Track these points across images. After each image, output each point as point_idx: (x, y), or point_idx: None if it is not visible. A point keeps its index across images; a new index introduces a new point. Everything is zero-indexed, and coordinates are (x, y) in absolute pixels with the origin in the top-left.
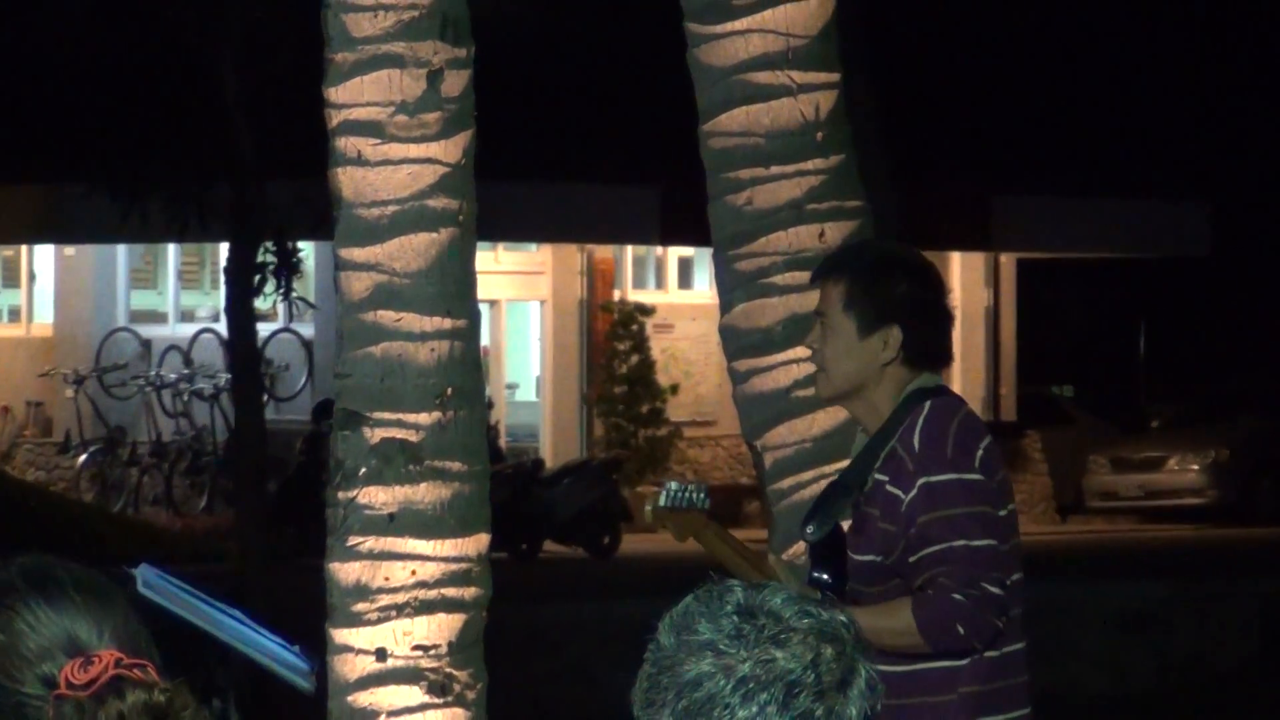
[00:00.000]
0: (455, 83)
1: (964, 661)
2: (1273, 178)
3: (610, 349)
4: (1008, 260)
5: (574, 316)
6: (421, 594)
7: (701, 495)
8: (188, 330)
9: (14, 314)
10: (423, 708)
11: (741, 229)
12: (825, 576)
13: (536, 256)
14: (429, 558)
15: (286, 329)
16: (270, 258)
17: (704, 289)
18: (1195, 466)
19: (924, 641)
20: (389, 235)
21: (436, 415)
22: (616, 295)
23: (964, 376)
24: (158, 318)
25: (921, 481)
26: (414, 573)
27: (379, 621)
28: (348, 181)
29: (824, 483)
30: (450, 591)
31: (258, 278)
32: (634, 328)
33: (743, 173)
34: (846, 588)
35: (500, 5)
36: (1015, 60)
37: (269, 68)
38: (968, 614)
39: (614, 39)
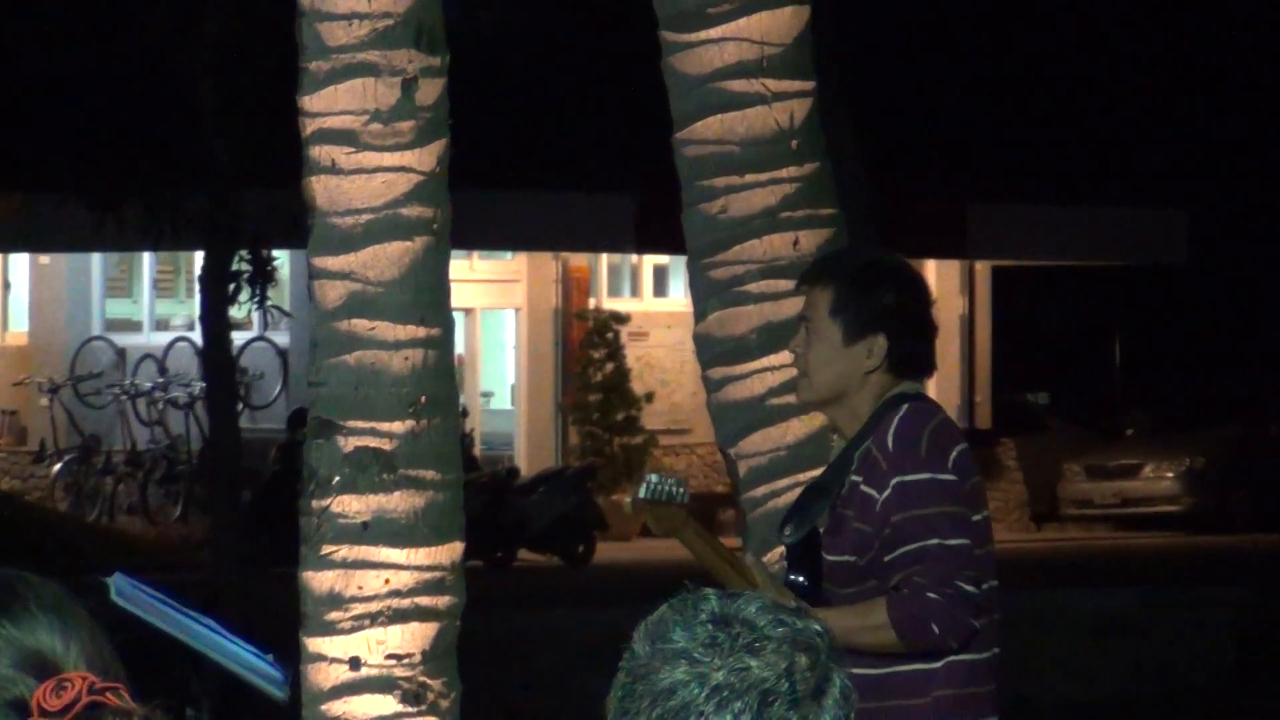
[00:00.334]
0: (429, 91)
1: (938, 664)
2: (1249, 186)
3: (585, 357)
4: (983, 268)
5: (549, 325)
6: (395, 603)
7: (680, 490)
8: (163, 339)
9: None
10: (396, 717)
11: (716, 237)
12: (801, 579)
13: (511, 265)
14: (403, 566)
15: (261, 337)
16: (245, 266)
17: (679, 297)
18: (1170, 474)
19: (899, 640)
20: (363, 244)
21: (410, 424)
22: (591, 303)
23: (939, 384)
24: (133, 326)
25: (895, 481)
26: (388, 581)
27: (353, 630)
28: (322, 190)
29: (798, 490)
30: (424, 600)
31: (232, 286)
32: (609, 336)
33: (717, 181)
34: (822, 589)
35: (475, 14)
36: (991, 68)
37: (244, 77)
38: (943, 612)
39: (588, 47)
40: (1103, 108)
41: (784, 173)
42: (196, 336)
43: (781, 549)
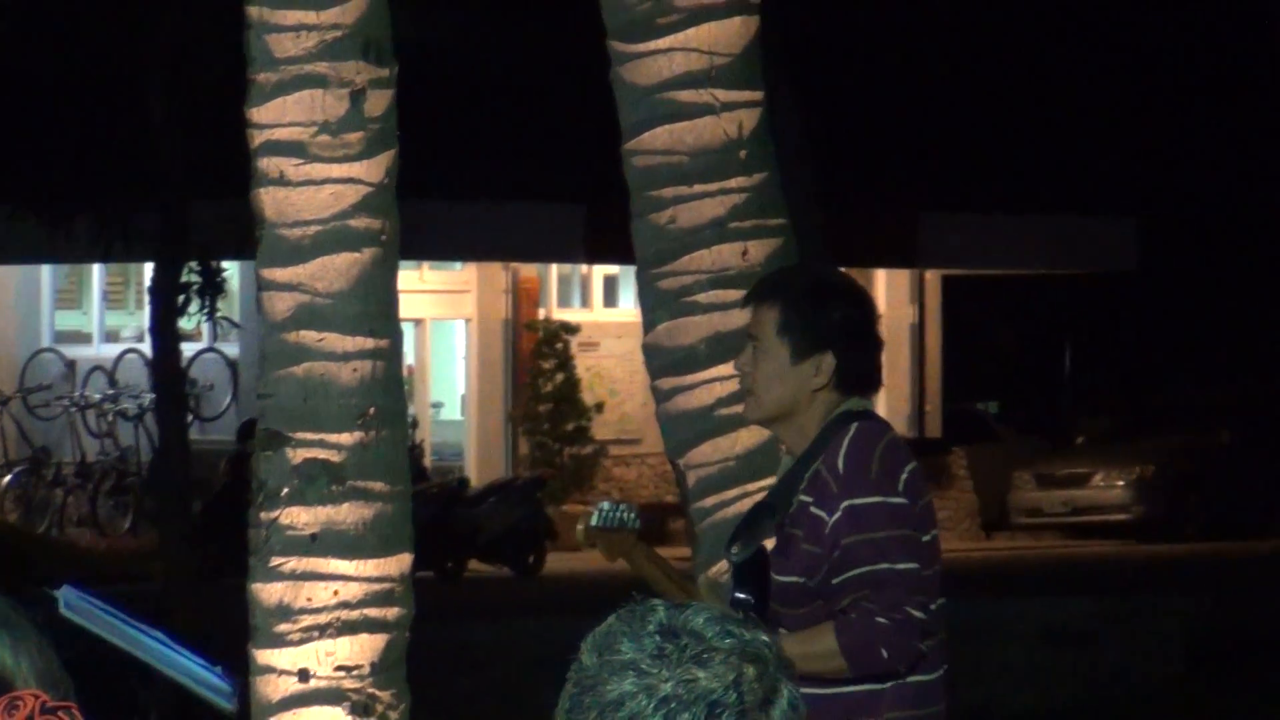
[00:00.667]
0: (378, 102)
1: (886, 685)
2: (1198, 192)
3: (535, 367)
4: (933, 277)
5: (499, 335)
6: (344, 614)
7: (632, 516)
8: (112, 350)
9: None
10: None
11: (665, 247)
12: (748, 597)
13: (461, 275)
14: (351, 578)
15: (211, 349)
16: (195, 278)
17: (629, 307)
18: (1121, 482)
19: (847, 665)
20: (311, 255)
21: (359, 435)
22: (541, 314)
23: (889, 393)
24: (82, 338)
25: (845, 504)
26: (336, 593)
27: (301, 642)
28: (270, 202)
29: (747, 501)
30: (373, 612)
31: (182, 298)
32: (559, 346)
33: (666, 191)
34: (769, 608)
35: (423, 25)
36: (940, 77)
37: (193, 89)
38: (890, 637)
39: (536, 58)
40: (1051, 116)
41: (733, 183)
42: (146, 348)
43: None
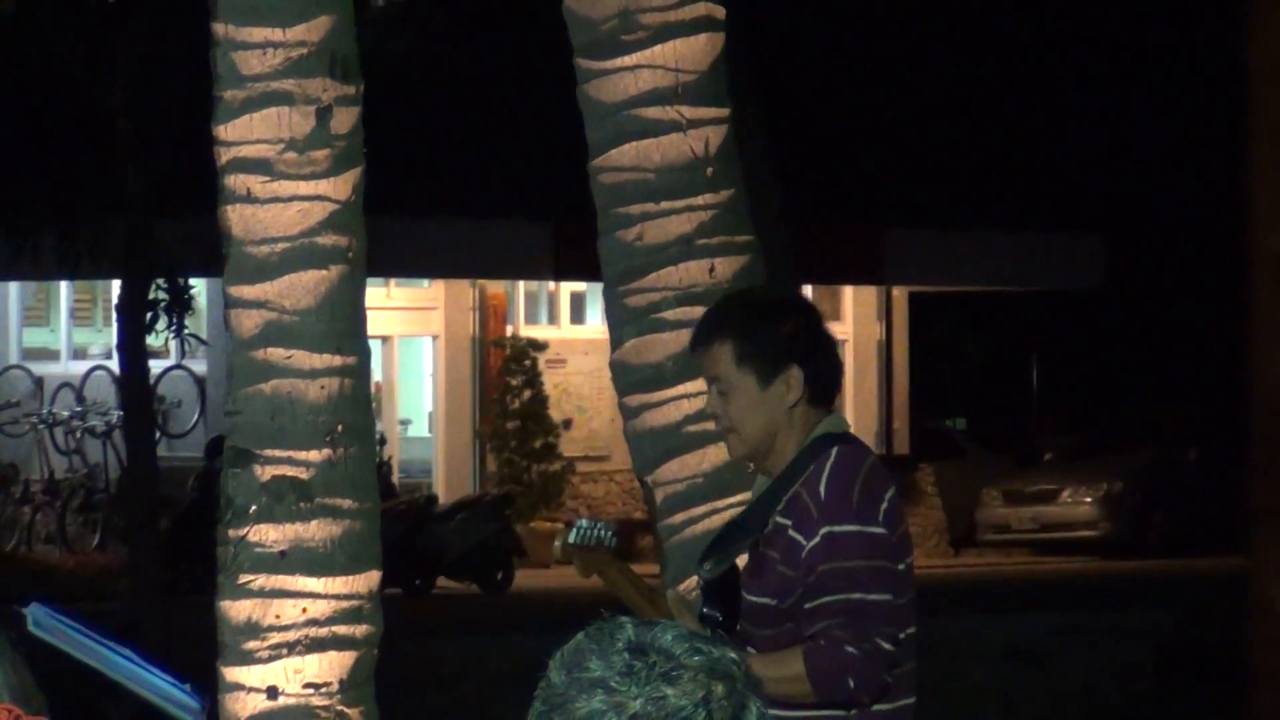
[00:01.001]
0: (345, 120)
1: (851, 712)
2: (1164, 210)
3: (503, 384)
4: (900, 294)
5: (466, 352)
6: (313, 631)
7: (609, 534)
8: (80, 367)
9: None
10: None
11: (632, 264)
12: (714, 613)
13: (429, 292)
14: (320, 595)
15: (179, 366)
16: (162, 295)
17: (596, 324)
18: (1088, 499)
19: (812, 691)
20: (279, 272)
21: (327, 452)
22: (509, 331)
23: (857, 410)
24: (50, 355)
25: (825, 530)
26: (305, 610)
27: (270, 659)
28: (237, 219)
29: (716, 518)
30: (341, 629)
31: (149, 315)
32: (526, 363)
33: (633, 208)
34: (738, 627)
35: (389, 42)
36: (906, 95)
37: (160, 106)
38: (858, 667)
39: (503, 75)
40: (1018, 133)
41: (699, 200)
42: (114, 365)
43: (697, 578)
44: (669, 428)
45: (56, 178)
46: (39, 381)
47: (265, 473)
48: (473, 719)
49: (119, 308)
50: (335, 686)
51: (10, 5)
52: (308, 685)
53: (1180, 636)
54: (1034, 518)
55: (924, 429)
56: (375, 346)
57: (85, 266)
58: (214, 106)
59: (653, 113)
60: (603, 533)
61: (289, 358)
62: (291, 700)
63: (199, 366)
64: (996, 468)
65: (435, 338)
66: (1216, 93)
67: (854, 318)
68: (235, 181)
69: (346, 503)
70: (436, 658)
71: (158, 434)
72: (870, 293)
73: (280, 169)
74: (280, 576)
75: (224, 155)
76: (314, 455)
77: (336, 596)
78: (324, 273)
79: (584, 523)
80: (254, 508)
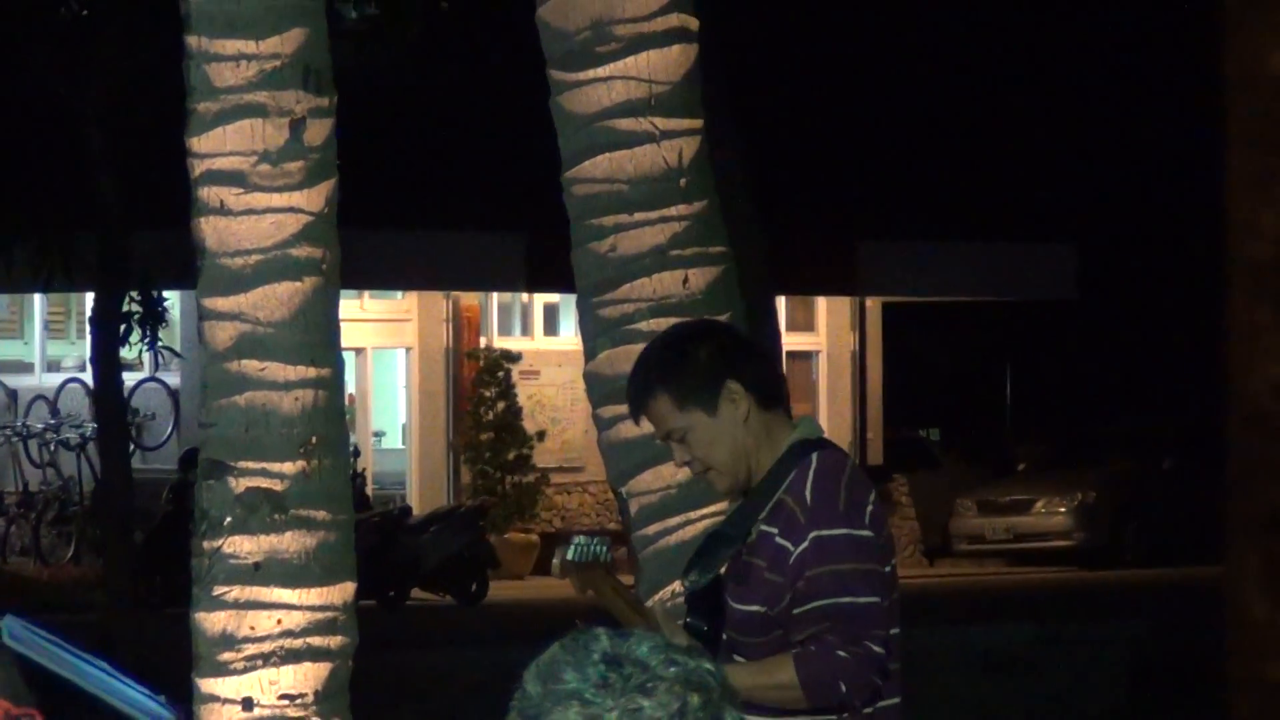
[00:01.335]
0: (318, 132)
1: (843, 716)
2: (1137, 220)
3: (477, 396)
4: (874, 304)
5: (440, 364)
6: (287, 643)
7: (604, 550)
8: (54, 380)
9: None
10: None
11: (605, 276)
12: (698, 623)
13: (402, 304)
14: (295, 606)
15: (153, 378)
16: (136, 307)
17: (570, 335)
18: (1062, 509)
19: (805, 697)
20: (252, 284)
21: (301, 464)
22: (483, 342)
23: (830, 420)
24: (24, 368)
25: (813, 534)
26: (280, 622)
27: (245, 671)
28: (211, 231)
29: (690, 528)
30: (316, 640)
31: (123, 327)
32: (500, 374)
33: (606, 219)
34: (724, 636)
35: (363, 54)
36: (879, 105)
37: (133, 118)
38: (851, 671)
39: (476, 87)
40: (991, 145)
41: (673, 211)
42: (88, 377)
43: (672, 588)
44: (642, 439)
45: (30, 190)
46: (13, 394)
47: (239, 484)
48: None
49: (93, 320)
50: (310, 698)
51: None
52: (283, 696)
53: (1155, 646)
54: (1008, 528)
55: (898, 439)
56: (349, 358)
57: (59, 279)
58: (187, 118)
59: (626, 124)
60: (598, 549)
61: (263, 370)
62: (266, 712)
63: (173, 379)
64: (971, 478)
65: (409, 350)
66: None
67: (828, 328)
68: (209, 194)
69: (321, 514)
70: (411, 669)
71: (132, 446)
72: (844, 303)
73: (254, 181)
74: (255, 588)
75: (197, 167)
76: (288, 467)
77: (311, 608)
78: (298, 285)
79: (581, 539)
80: (228, 519)
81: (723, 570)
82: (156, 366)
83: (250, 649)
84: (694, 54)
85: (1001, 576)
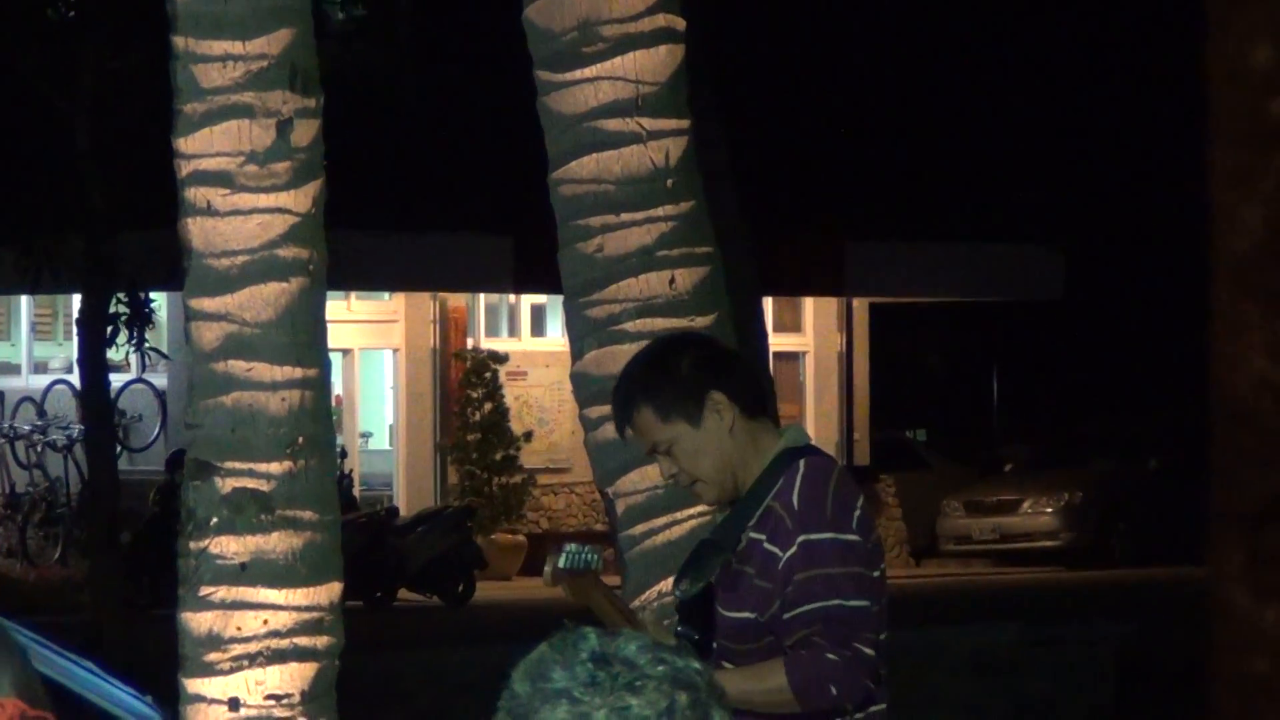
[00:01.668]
0: (305, 132)
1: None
2: (1124, 223)
3: (464, 397)
4: (861, 305)
5: (427, 365)
6: (274, 643)
7: (595, 557)
8: (41, 381)
9: None
10: None
11: (592, 276)
12: (692, 633)
13: (389, 305)
14: (281, 607)
15: (139, 380)
16: (123, 309)
17: (557, 336)
18: (1049, 509)
19: (797, 700)
20: (239, 285)
21: (288, 464)
22: (470, 343)
23: (817, 421)
24: (10, 369)
25: (801, 539)
26: (266, 622)
27: (231, 671)
28: (198, 232)
29: (676, 529)
30: (303, 640)
31: (110, 329)
32: (487, 375)
33: (593, 220)
34: (715, 644)
35: (349, 55)
36: (867, 107)
37: (120, 119)
38: (841, 674)
39: (464, 87)
40: (979, 145)
41: (659, 211)
42: (75, 379)
43: (658, 588)
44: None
45: (17, 191)
46: (0, 396)
47: (226, 485)
48: None
49: (79, 322)
50: (297, 698)
51: None
52: (269, 697)
53: (1142, 646)
54: (995, 528)
55: (884, 439)
56: (336, 359)
57: (46, 280)
58: (174, 119)
59: (613, 124)
60: (589, 556)
61: (249, 370)
62: (253, 712)
63: (160, 380)
64: (957, 478)
65: (396, 351)
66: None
67: (814, 329)
68: (195, 194)
69: (307, 514)
70: (398, 670)
71: (119, 448)
72: (831, 304)
73: (240, 182)
74: (241, 588)
75: (184, 168)
76: (275, 467)
77: (298, 608)
78: (284, 285)
79: (572, 546)
80: (215, 520)
81: (713, 579)
82: (143, 368)
83: (237, 649)
84: (680, 54)
85: (988, 577)
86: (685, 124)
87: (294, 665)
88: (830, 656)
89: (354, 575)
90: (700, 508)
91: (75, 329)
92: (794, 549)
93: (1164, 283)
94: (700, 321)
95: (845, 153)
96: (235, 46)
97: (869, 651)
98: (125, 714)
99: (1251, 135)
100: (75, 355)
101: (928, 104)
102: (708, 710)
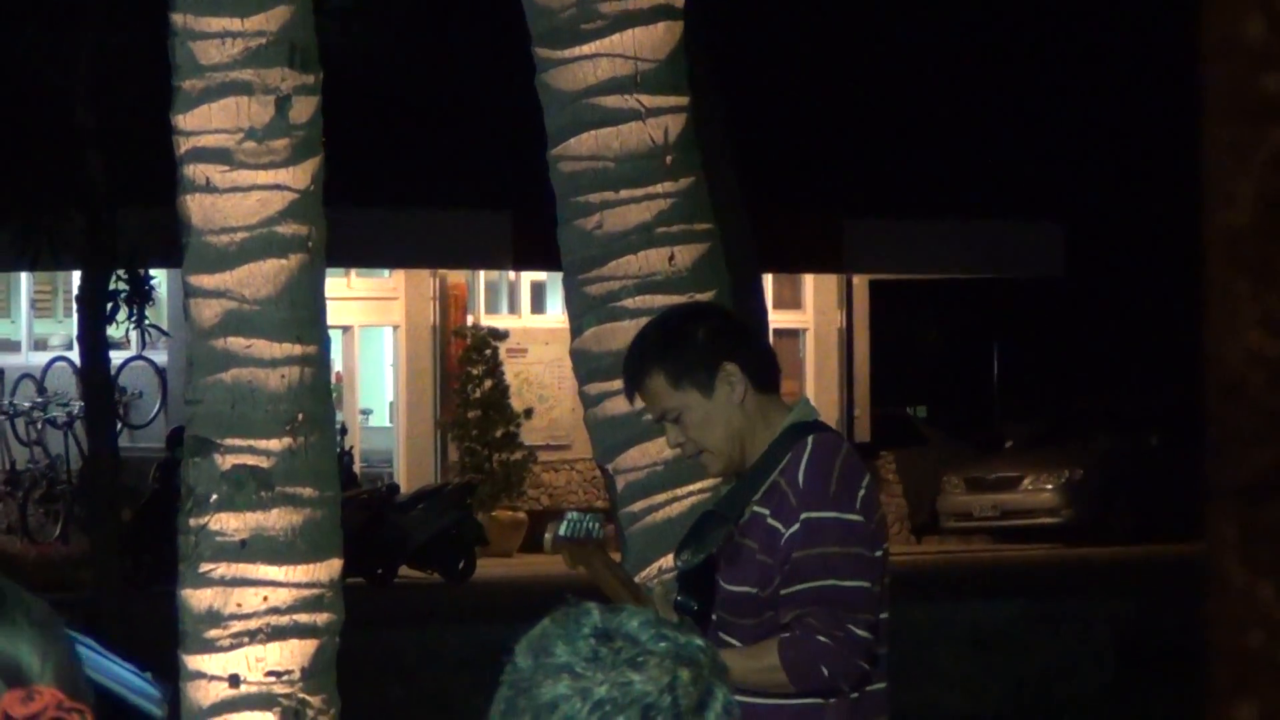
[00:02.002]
0: (303, 109)
1: (830, 701)
2: (1124, 199)
3: (464, 374)
4: (861, 281)
5: (427, 342)
6: (274, 620)
7: (597, 526)
8: (41, 359)
9: None
10: None
11: (591, 253)
12: (687, 600)
13: (389, 282)
14: (281, 584)
15: (140, 357)
16: (122, 285)
17: (557, 313)
18: (1049, 486)
19: (789, 681)
20: (238, 262)
21: (287, 441)
22: (470, 320)
23: (818, 397)
24: (11, 346)
25: (804, 517)
26: (266, 599)
27: (232, 648)
28: (196, 208)
29: (676, 505)
30: (303, 617)
31: (110, 306)
32: (487, 352)
33: (592, 196)
34: (714, 616)
35: (349, 31)
36: (866, 83)
37: (119, 96)
38: (833, 656)
39: (463, 64)
40: (978, 122)
41: (659, 188)
42: (75, 356)
43: (658, 565)
44: (629, 416)
45: (16, 168)
46: (0, 373)
47: (226, 461)
48: (435, 708)
49: (79, 299)
50: (297, 675)
51: None
52: (269, 673)
53: (1142, 622)
54: (995, 505)
55: (885, 416)
56: (336, 336)
57: (45, 257)
58: (173, 96)
59: (612, 101)
60: (591, 525)
61: (249, 347)
62: (253, 688)
63: (160, 357)
64: (958, 455)
65: (396, 327)
66: (1175, 82)
67: (815, 306)
68: (194, 171)
69: (307, 491)
70: (398, 647)
71: (119, 425)
72: (831, 281)
73: (239, 158)
74: (241, 565)
75: (183, 145)
76: (274, 444)
77: (298, 585)
78: (283, 262)
79: (574, 515)
80: (215, 496)
81: (715, 550)
82: (143, 345)
83: (237, 626)
84: (679, 31)
85: (989, 553)
86: (684, 101)
87: (294, 642)
88: (821, 639)
89: (354, 552)
90: (701, 484)
91: (75, 306)
92: (796, 526)
93: (1165, 259)
94: (700, 298)
95: (845, 129)
96: (234, 23)
97: (862, 633)
98: (125, 690)
99: (1244, 109)
100: (75, 332)
101: (928, 80)
102: (710, 686)
